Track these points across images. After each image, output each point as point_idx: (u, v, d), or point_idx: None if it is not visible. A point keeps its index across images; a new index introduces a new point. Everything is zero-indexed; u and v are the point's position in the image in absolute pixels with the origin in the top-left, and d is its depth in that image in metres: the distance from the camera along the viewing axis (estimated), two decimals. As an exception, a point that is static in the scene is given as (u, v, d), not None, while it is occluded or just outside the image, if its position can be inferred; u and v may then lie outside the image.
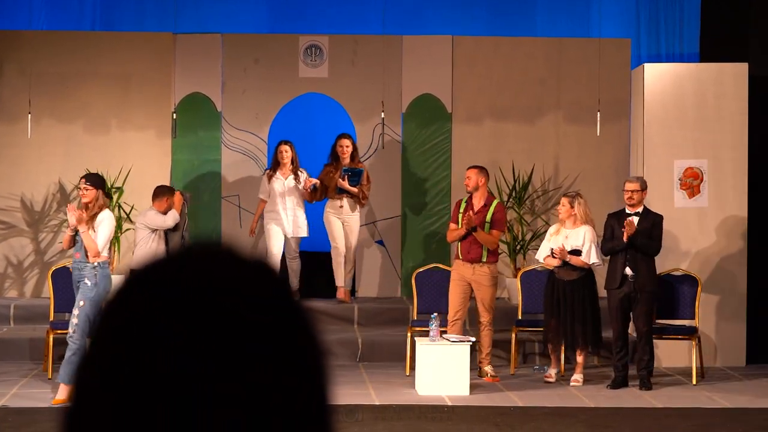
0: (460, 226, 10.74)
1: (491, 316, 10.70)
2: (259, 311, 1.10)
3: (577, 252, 10.53)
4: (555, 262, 10.58)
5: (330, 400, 1.14)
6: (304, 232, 12.33)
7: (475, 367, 10.56)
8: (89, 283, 9.44)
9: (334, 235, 12.41)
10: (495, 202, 10.86)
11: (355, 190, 12.26)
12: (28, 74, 12.62)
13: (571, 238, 10.59)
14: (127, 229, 12.74)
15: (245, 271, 1.13)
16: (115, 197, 12.65)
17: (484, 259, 10.68)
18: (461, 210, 10.80)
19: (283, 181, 12.30)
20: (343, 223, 12.42)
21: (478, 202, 10.79)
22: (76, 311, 9.42)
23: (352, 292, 12.77)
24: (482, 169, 10.87)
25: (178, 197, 11.43)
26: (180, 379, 1.06)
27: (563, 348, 10.77)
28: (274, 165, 12.39)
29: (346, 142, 12.41)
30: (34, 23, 13.27)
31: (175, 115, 12.87)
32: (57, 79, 12.80)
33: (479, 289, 10.66)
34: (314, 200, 12.45)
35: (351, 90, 13.13)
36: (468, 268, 10.69)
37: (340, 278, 12.46)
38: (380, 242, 13.17)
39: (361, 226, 12.64)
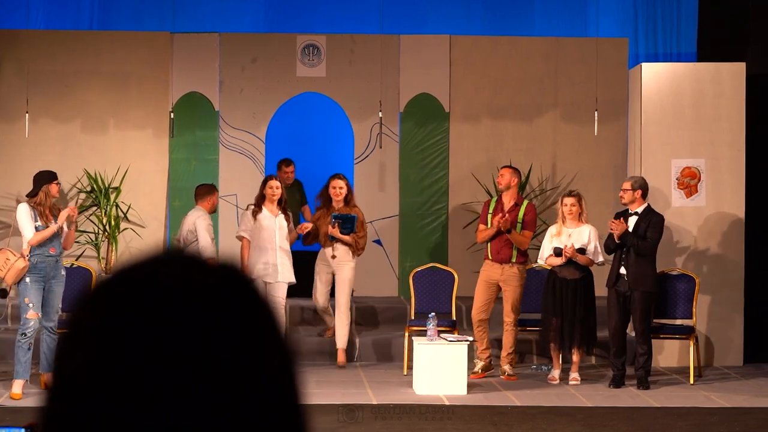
0: (489, 226, 10.77)
1: (516, 317, 10.78)
2: (228, 315, 1.11)
3: (581, 251, 10.54)
4: (558, 261, 10.56)
5: (300, 398, 1.15)
6: (291, 278, 10.99)
7: (473, 366, 10.61)
8: (65, 274, 9.93)
9: (317, 289, 11.23)
10: (526, 203, 10.91)
11: (347, 238, 11.09)
12: (25, 73, 12.62)
13: (574, 237, 10.60)
14: (125, 229, 12.74)
15: (215, 276, 1.14)
16: (112, 197, 12.66)
17: (514, 260, 10.72)
18: (491, 210, 10.85)
19: (273, 219, 11.01)
20: (334, 275, 11.19)
21: (508, 202, 10.83)
22: (60, 303, 9.84)
23: (352, 356, 11.46)
24: (515, 170, 11.02)
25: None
26: (149, 378, 1.08)
27: (563, 347, 10.78)
28: (259, 200, 11.12)
29: (340, 183, 11.21)
30: (32, 22, 13.26)
31: (172, 114, 12.87)
32: (55, 78, 12.79)
33: (507, 289, 10.71)
34: (306, 244, 11.32)
35: (348, 89, 13.13)
36: (497, 268, 10.73)
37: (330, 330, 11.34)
38: (378, 242, 13.17)
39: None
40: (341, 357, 11.14)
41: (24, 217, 9.72)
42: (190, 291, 1.11)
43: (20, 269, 9.63)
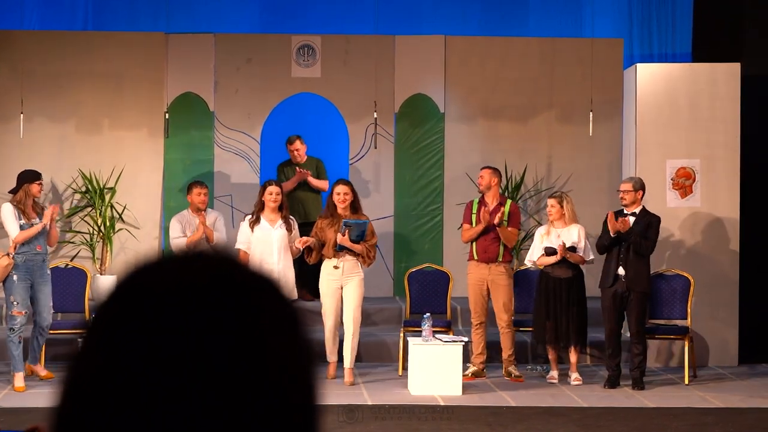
0: (474, 225, 10.76)
1: (510, 317, 10.72)
2: (226, 317, 1.10)
3: (572, 249, 10.54)
4: (551, 260, 10.56)
5: (311, 403, 1.14)
6: (293, 294, 10.47)
7: (465, 368, 10.61)
8: (50, 273, 10.08)
9: (326, 307, 10.38)
10: (509, 202, 10.92)
11: (358, 247, 10.33)
12: (20, 73, 12.60)
13: (563, 237, 10.60)
14: (120, 229, 12.72)
15: (214, 278, 1.13)
16: (107, 197, 12.65)
17: (501, 258, 10.70)
18: (474, 210, 10.83)
19: (270, 230, 10.39)
20: (342, 289, 10.39)
21: (491, 202, 10.82)
22: (50, 301, 9.98)
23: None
24: (495, 170, 10.98)
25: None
26: (145, 384, 1.08)
27: (558, 347, 10.77)
28: (258, 208, 10.51)
29: (344, 188, 10.48)
30: (26, 23, 13.25)
31: (167, 114, 12.85)
32: (49, 79, 12.78)
33: (497, 290, 10.66)
34: (311, 261, 10.52)
35: (343, 90, 13.13)
36: (484, 268, 10.69)
37: (333, 353, 10.45)
38: (373, 242, 13.16)
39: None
40: (349, 377, 10.39)
41: (8, 216, 9.90)
42: (185, 295, 1.10)
43: (4, 267, 9.77)
